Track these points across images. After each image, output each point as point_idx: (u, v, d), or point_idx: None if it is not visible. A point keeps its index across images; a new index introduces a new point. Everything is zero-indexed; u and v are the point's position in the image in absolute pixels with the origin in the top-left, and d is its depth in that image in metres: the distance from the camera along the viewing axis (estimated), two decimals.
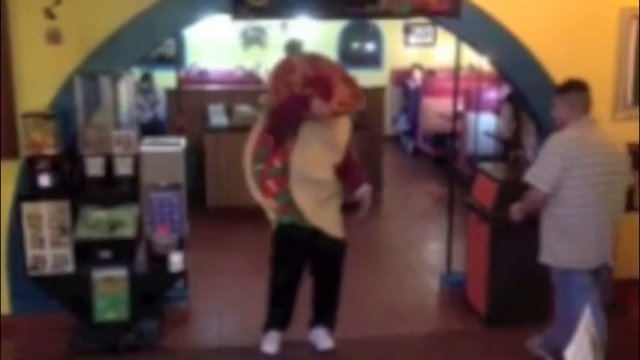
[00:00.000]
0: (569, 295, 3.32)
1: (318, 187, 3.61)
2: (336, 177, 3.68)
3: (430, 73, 9.78)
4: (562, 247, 3.28)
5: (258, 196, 3.66)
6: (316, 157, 3.57)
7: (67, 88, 3.84)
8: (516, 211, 3.50)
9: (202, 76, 9.28)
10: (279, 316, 3.83)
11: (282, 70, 3.62)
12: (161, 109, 8.02)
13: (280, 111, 3.55)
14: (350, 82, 3.63)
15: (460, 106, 5.98)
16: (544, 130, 4.44)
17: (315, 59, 3.69)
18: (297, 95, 3.51)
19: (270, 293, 3.80)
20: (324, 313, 3.89)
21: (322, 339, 3.85)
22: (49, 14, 3.66)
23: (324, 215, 3.65)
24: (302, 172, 3.55)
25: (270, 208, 3.66)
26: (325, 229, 3.64)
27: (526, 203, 3.41)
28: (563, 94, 3.36)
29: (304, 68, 3.58)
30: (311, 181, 3.57)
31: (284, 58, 3.77)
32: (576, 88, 3.37)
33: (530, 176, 3.29)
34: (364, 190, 3.77)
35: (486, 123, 6.85)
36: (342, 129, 3.69)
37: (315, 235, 3.64)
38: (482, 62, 6.16)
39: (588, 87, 3.36)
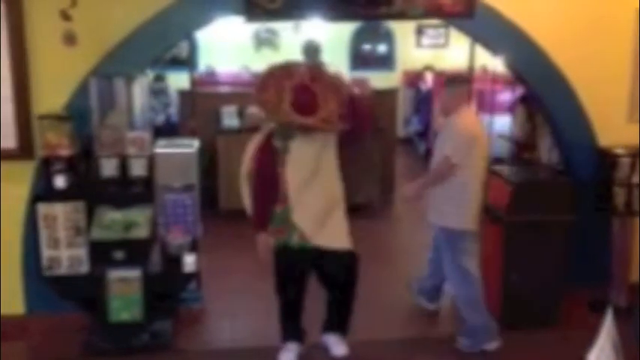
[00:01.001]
0: (464, 254, 3.87)
1: (318, 203, 3.51)
2: (339, 185, 3.59)
3: (441, 75, 9.75)
4: (465, 210, 3.82)
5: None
6: (311, 172, 3.47)
7: (82, 90, 3.86)
8: (417, 188, 4.05)
9: (215, 78, 9.31)
10: (293, 329, 3.80)
11: (280, 71, 3.45)
12: (173, 111, 8.06)
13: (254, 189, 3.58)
14: (344, 103, 3.43)
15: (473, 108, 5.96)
16: (559, 132, 4.43)
17: (318, 71, 3.52)
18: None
19: (280, 308, 3.77)
20: (338, 320, 3.85)
21: (336, 345, 3.82)
22: (65, 16, 3.69)
23: (326, 231, 3.54)
24: (299, 194, 3.47)
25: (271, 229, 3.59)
26: (330, 246, 3.55)
27: (436, 175, 3.90)
28: (452, 85, 3.94)
29: (304, 77, 3.41)
30: (309, 198, 3.48)
31: (287, 61, 3.57)
32: (463, 81, 4.10)
33: (449, 151, 3.80)
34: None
35: (500, 125, 6.83)
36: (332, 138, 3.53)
37: (319, 252, 3.55)
38: (496, 64, 6.14)
39: (471, 80, 4.10)
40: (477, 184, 3.86)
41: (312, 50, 6.60)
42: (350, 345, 3.85)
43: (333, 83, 3.46)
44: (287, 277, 3.67)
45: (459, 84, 3.95)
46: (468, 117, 3.88)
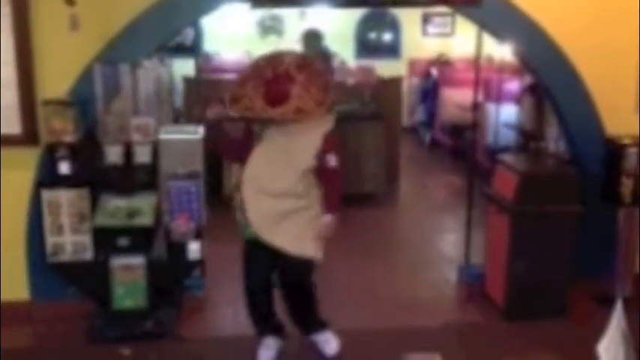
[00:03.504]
0: None
1: (277, 200, 3.28)
2: (307, 187, 3.32)
3: (444, 64, 9.69)
4: None
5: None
6: (275, 166, 3.26)
7: (86, 76, 3.84)
8: None
9: (218, 65, 9.26)
10: (265, 322, 3.61)
11: (265, 62, 3.29)
12: (178, 98, 8.03)
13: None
14: (329, 90, 3.26)
15: (480, 97, 5.92)
16: (566, 121, 4.39)
17: (307, 60, 3.36)
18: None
19: (246, 300, 3.58)
20: (305, 324, 3.64)
21: (327, 343, 3.63)
22: (70, 1, 3.66)
23: (283, 231, 3.30)
24: (256, 185, 3.27)
25: (238, 218, 3.41)
26: (285, 247, 3.32)
27: None
28: None
29: (290, 66, 3.23)
30: (267, 193, 3.27)
31: (275, 51, 3.43)
32: None
33: None
34: (326, 221, 3.34)
35: (506, 114, 6.79)
36: (312, 135, 3.29)
37: (277, 250, 3.34)
38: (503, 52, 6.09)
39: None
40: None
41: (310, 38, 6.55)
42: (354, 332, 3.83)
43: (320, 70, 3.33)
44: (249, 263, 3.49)
45: None
46: None
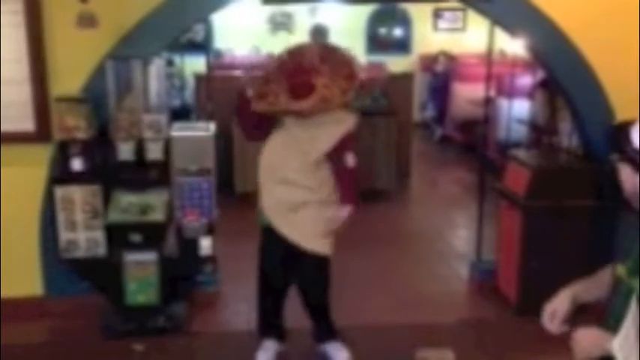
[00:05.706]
0: None
1: (289, 188, 3.25)
2: (320, 182, 3.29)
3: (451, 59, 9.65)
4: None
5: None
6: (289, 154, 3.24)
7: (99, 72, 3.85)
8: None
9: (228, 62, 9.27)
10: (270, 321, 3.57)
11: (290, 56, 3.33)
12: (189, 95, 8.06)
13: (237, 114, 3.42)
14: (355, 77, 3.23)
15: (491, 92, 5.88)
16: (579, 116, 4.36)
17: (330, 50, 3.36)
18: (241, 98, 3.34)
19: (258, 296, 3.57)
20: (321, 330, 3.60)
21: (337, 352, 3.56)
22: None
23: (296, 225, 3.27)
24: (271, 172, 3.27)
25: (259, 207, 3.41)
26: (296, 240, 3.28)
27: None
28: None
29: (314, 59, 3.23)
30: (280, 180, 3.25)
31: (298, 44, 3.45)
32: None
33: None
34: (339, 214, 3.31)
35: (518, 109, 6.75)
36: (330, 130, 3.26)
37: (291, 244, 3.30)
38: (515, 47, 6.05)
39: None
40: None
41: (317, 33, 6.57)
42: (365, 328, 3.83)
43: (344, 59, 3.29)
44: (266, 256, 3.48)
45: None
46: None
